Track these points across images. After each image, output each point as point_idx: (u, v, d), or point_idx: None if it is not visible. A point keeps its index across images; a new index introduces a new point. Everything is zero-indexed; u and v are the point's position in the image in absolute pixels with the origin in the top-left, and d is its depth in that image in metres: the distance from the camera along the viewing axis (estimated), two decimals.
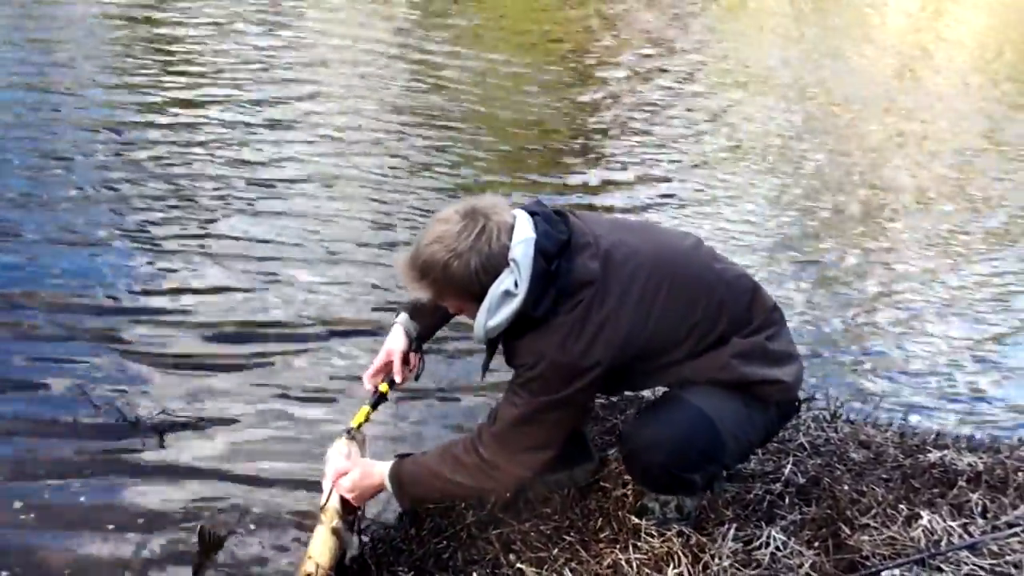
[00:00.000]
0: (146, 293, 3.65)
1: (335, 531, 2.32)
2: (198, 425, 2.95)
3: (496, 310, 2.14)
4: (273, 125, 5.42)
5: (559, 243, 2.16)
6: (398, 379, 2.56)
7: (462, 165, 5.38)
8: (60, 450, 2.76)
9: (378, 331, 3.55)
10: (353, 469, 2.37)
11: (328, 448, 2.49)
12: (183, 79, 5.81)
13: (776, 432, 2.54)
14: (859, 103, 8.61)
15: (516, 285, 2.11)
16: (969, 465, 2.88)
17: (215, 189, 4.53)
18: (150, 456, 2.80)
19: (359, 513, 2.46)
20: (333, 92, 6.20)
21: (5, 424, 2.84)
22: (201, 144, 4.98)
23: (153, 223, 4.16)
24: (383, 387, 2.56)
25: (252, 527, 2.61)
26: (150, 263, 3.83)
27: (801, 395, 3.56)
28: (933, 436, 3.26)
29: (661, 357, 2.24)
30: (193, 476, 2.75)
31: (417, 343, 2.60)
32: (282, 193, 4.65)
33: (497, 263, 2.11)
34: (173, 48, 6.38)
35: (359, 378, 2.62)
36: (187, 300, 3.66)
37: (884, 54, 11.12)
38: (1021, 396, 4.09)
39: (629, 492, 2.56)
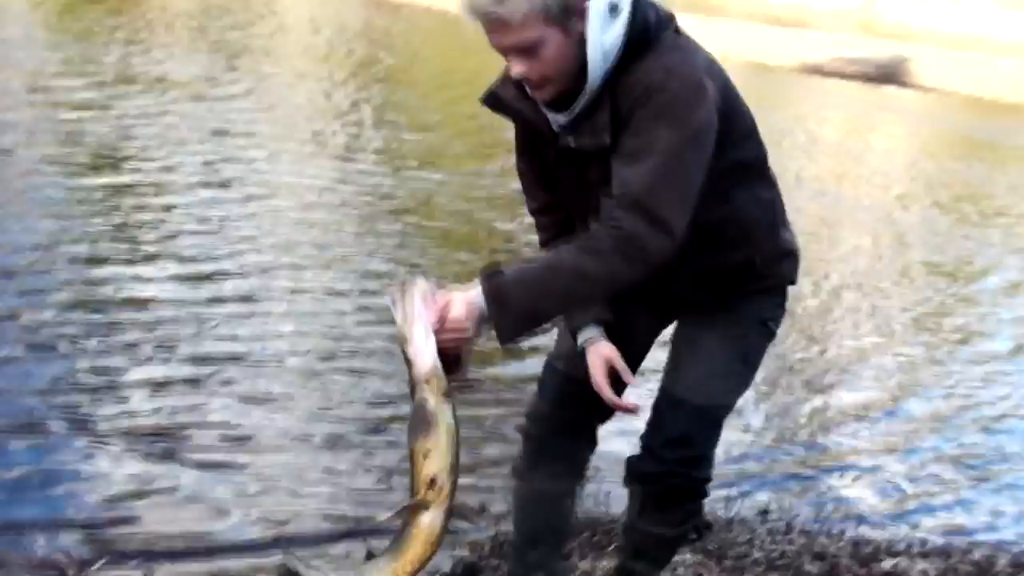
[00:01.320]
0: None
1: (447, 400, 1.77)
2: None
3: (607, 27, 1.86)
4: (237, 238, 5.45)
5: None
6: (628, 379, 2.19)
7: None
8: None
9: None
10: (451, 305, 1.80)
11: (395, 296, 1.80)
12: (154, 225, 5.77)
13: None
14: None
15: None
16: (922, 572, 2.91)
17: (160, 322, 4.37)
18: None
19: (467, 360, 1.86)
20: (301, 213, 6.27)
21: None
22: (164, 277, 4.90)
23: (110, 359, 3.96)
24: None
25: None
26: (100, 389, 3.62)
27: (753, 508, 3.69)
28: (886, 543, 3.29)
29: (739, 146, 2.02)
30: None
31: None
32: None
33: None
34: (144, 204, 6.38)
35: None
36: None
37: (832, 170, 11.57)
38: (973, 496, 4.11)
39: None
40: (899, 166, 12.76)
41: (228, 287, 4.97)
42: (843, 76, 19.70)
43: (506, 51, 1.89)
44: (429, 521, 1.76)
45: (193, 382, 3.94)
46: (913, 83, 20.33)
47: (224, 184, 6.78)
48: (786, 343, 5.51)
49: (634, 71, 1.88)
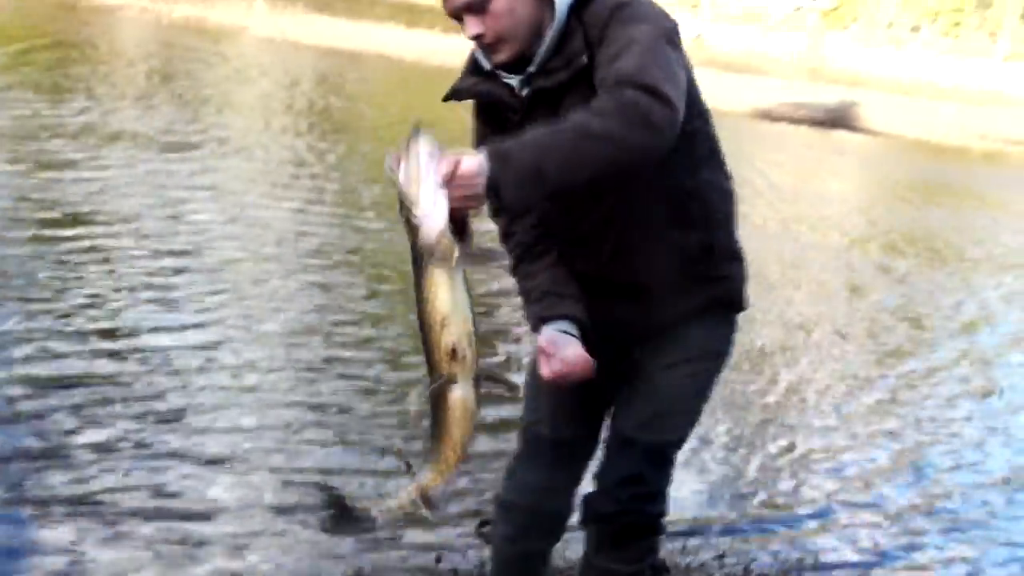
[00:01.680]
0: None
1: (459, 265, 1.68)
2: None
3: None
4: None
5: None
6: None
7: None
8: None
9: None
10: (462, 160, 1.68)
11: (397, 156, 1.69)
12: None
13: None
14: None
15: None
16: None
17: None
18: None
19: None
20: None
21: None
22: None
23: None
24: None
25: None
26: None
27: (710, 552, 3.72)
28: None
29: (693, 119, 2.04)
30: None
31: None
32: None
33: None
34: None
35: None
36: None
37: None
38: (941, 543, 4.13)
39: None
40: (861, 211, 12.91)
41: (189, 347, 4.88)
42: (793, 121, 20.12)
43: (459, 12, 1.95)
44: (461, 396, 1.70)
45: (147, 445, 3.84)
46: (862, 127, 20.80)
47: (191, 242, 6.65)
48: (752, 387, 5.56)
49: (595, 5, 1.97)
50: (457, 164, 1.67)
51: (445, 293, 1.67)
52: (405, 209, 1.67)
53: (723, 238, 2.23)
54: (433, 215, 1.64)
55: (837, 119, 20.63)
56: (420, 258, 1.68)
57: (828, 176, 15.87)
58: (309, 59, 17.02)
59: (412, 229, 1.67)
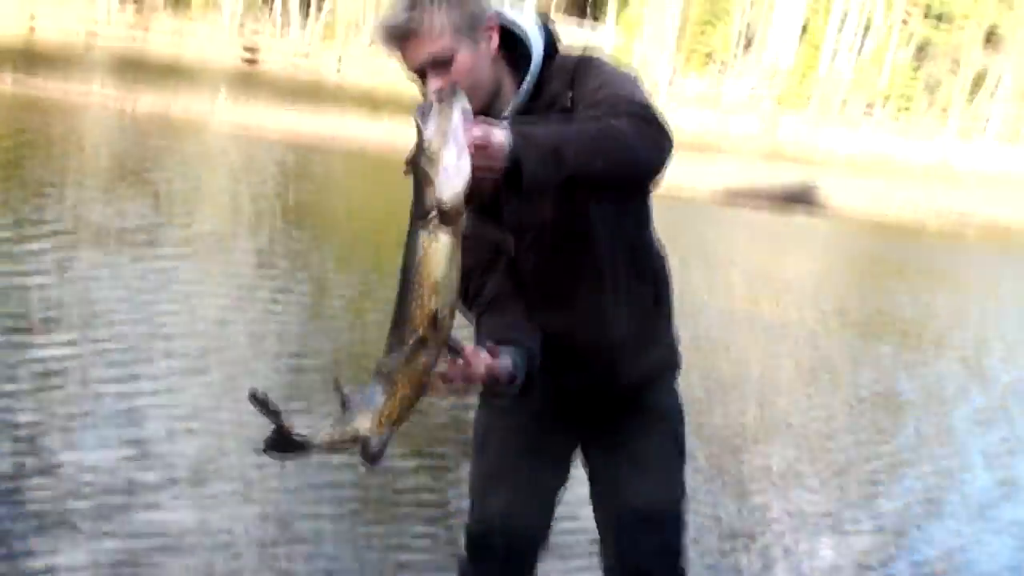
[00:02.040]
0: None
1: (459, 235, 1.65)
2: None
3: (534, 36, 2.11)
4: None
5: None
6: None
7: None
8: None
9: None
10: (494, 131, 1.70)
11: (429, 108, 1.66)
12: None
13: None
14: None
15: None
16: None
17: None
18: None
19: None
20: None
21: None
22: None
23: None
24: None
25: None
26: None
27: None
28: None
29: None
30: None
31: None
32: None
33: None
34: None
35: None
36: None
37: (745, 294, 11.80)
38: None
39: None
40: (838, 293, 12.96)
41: (170, 460, 4.78)
42: (753, 203, 20.45)
43: (422, 66, 1.99)
44: (426, 360, 1.70)
45: (129, 563, 3.76)
46: (821, 208, 21.21)
47: (171, 343, 6.55)
48: (736, 474, 5.53)
49: (556, 61, 2.12)
50: (489, 133, 1.69)
51: (444, 259, 1.65)
52: (424, 162, 1.64)
53: (665, 295, 2.37)
54: (455, 176, 1.62)
55: (797, 200, 21.02)
56: (424, 215, 1.65)
57: (798, 258, 16.00)
58: (276, 151, 17.08)
59: (423, 184, 1.65)
